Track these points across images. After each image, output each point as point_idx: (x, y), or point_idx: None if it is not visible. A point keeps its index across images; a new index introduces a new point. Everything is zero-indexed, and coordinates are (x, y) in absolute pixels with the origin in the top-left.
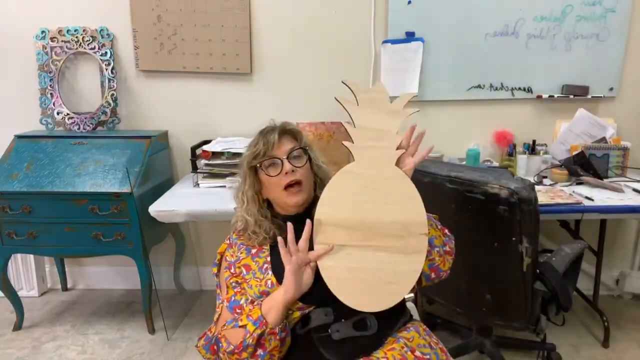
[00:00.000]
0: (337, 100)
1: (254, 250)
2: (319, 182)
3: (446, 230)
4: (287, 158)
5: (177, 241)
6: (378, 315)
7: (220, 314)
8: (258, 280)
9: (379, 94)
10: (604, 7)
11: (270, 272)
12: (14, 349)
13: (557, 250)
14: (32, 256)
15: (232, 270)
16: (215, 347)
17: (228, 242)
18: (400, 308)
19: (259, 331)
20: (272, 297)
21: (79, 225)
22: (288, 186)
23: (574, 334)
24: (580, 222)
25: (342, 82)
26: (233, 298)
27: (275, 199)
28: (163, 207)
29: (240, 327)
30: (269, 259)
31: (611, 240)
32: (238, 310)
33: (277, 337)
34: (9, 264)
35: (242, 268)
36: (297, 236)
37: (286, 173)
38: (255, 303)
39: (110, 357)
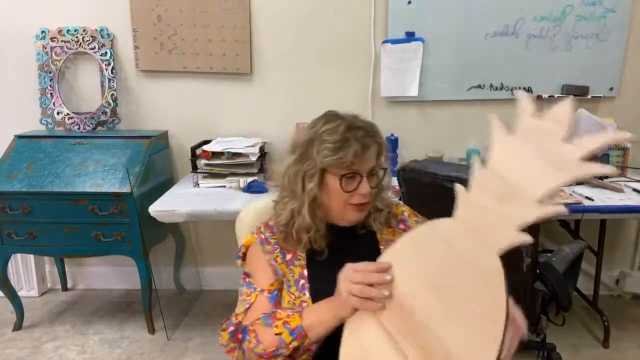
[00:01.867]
0: (492, 125)
1: (289, 256)
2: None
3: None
4: (367, 176)
5: (177, 241)
6: None
7: (253, 303)
8: (292, 296)
9: (555, 124)
10: (604, 7)
11: (307, 293)
12: (14, 349)
13: (557, 250)
14: (32, 256)
15: (278, 267)
16: (240, 336)
17: (258, 236)
18: None
19: (296, 343)
20: (320, 310)
21: (79, 225)
22: (356, 205)
23: (574, 334)
24: (580, 222)
25: (515, 93)
26: (275, 292)
27: (332, 208)
28: (163, 207)
29: (275, 334)
30: (305, 272)
31: (611, 240)
32: (276, 309)
33: (311, 353)
34: (9, 264)
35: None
36: (343, 247)
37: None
38: (294, 309)
39: (110, 357)
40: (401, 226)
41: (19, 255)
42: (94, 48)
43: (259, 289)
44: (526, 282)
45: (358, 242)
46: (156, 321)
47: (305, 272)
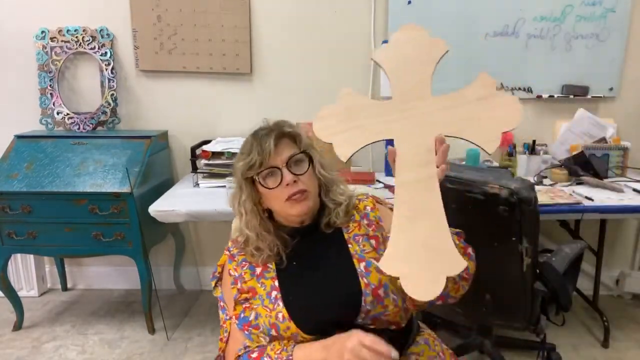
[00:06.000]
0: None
1: (258, 270)
2: (324, 187)
3: (469, 250)
4: (287, 166)
5: (177, 241)
6: (389, 338)
7: (229, 332)
8: (267, 310)
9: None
10: (604, 7)
11: (281, 304)
12: (14, 349)
13: (557, 250)
14: (32, 256)
15: (239, 286)
16: None
17: (228, 253)
18: (409, 326)
19: None
20: (310, 352)
21: (79, 225)
22: (291, 196)
23: (574, 334)
24: (580, 222)
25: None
26: (242, 315)
27: (277, 210)
28: (163, 207)
29: None
30: (276, 283)
31: (611, 240)
32: (249, 328)
33: None
34: (9, 264)
35: (249, 292)
36: (311, 249)
37: (287, 184)
38: (284, 348)
39: (110, 357)
40: (365, 221)
41: (19, 255)
42: (94, 48)
43: (228, 316)
44: (526, 282)
45: (325, 242)
46: (156, 321)
47: (277, 283)
